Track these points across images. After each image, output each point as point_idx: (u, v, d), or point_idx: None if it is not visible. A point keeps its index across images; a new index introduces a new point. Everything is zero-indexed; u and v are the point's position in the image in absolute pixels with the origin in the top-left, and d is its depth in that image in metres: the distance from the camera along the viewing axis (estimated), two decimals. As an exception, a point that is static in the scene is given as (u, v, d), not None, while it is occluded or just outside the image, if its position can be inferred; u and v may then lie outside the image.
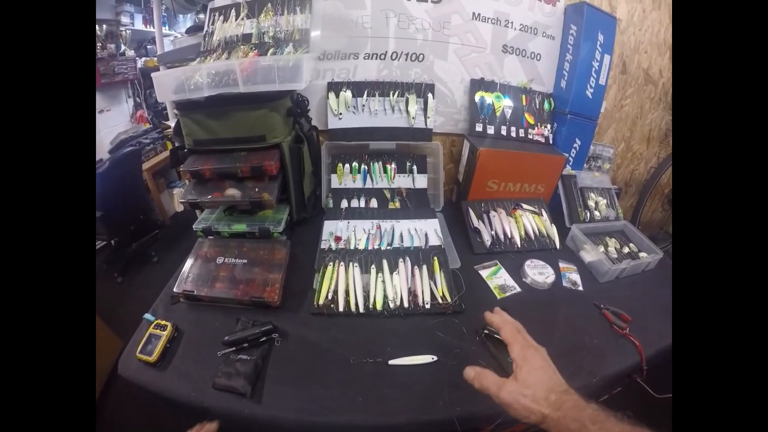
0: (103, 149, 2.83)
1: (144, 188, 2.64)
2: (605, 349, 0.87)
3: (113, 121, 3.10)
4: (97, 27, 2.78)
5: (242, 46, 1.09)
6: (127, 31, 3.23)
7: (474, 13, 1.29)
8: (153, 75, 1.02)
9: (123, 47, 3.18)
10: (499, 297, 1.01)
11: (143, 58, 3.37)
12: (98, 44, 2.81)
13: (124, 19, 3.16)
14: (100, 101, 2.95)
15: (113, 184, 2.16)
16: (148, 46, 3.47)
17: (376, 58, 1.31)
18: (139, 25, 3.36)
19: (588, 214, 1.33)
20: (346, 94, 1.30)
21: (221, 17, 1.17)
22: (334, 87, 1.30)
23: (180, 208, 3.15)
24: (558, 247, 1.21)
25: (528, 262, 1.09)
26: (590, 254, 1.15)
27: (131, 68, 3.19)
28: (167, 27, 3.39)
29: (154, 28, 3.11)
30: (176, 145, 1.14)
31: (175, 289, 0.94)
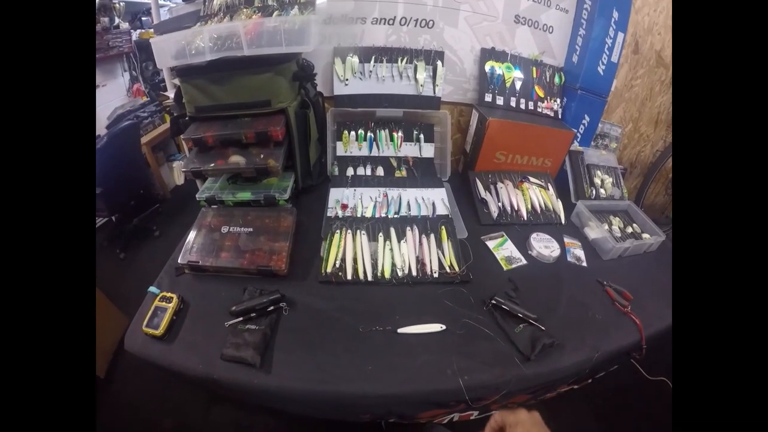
0: (100, 125, 2.75)
1: (143, 162, 2.59)
2: (607, 325, 0.88)
3: (109, 96, 3.03)
4: None
5: (245, 9, 1.05)
6: (121, 3, 3.12)
7: (487, -20, 1.25)
8: (151, 40, 0.98)
9: (117, 20, 3.07)
10: (505, 268, 1.01)
11: (138, 31, 3.27)
12: (91, 16, 2.71)
13: (117, -9, 3.05)
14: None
15: (112, 159, 2.13)
16: (142, 18, 3.36)
17: (385, 23, 1.27)
18: (133, -4, 3.24)
19: (594, 192, 1.33)
20: (353, 60, 1.26)
21: (222, -21, 1.12)
22: (341, 52, 1.27)
23: (180, 181, 3.12)
24: (563, 222, 1.21)
25: (534, 235, 1.09)
26: (594, 231, 1.15)
27: (126, 41, 3.10)
28: (162, -3, 3.28)
29: (148, -2, 3.02)
30: (176, 114, 1.11)
31: (179, 260, 0.92)
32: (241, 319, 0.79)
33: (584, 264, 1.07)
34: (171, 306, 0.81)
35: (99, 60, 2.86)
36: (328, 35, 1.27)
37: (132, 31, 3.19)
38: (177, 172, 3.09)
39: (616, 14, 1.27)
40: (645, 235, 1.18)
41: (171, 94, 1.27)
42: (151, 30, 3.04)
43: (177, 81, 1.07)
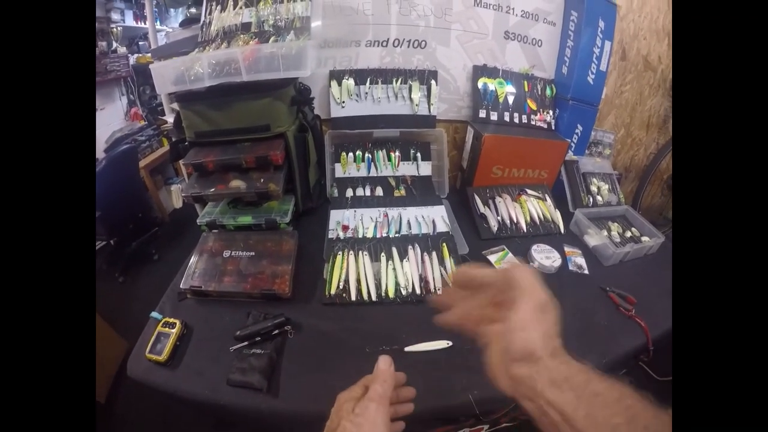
0: (98, 148, 2.79)
1: (141, 186, 2.60)
2: (613, 330, 0.88)
3: (108, 120, 3.07)
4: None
5: (242, 36, 1.06)
6: (118, 28, 3.18)
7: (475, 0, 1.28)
8: (151, 66, 0.99)
9: (114, 44, 3.13)
10: (508, 282, 1.01)
11: (135, 55, 3.32)
12: (89, 41, 2.76)
13: (115, 16, 3.12)
14: (93, 100, 2.91)
15: (110, 183, 2.13)
16: (140, 43, 3.42)
17: (378, 45, 1.30)
18: (130, 21, 3.30)
19: (590, 199, 1.35)
20: (349, 82, 1.28)
21: (218, 6, 1.14)
22: (336, 75, 1.29)
23: (179, 204, 3.13)
24: (562, 231, 1.22)
25: (534, 247, 1.09)
26: (594, 238, 1.16)
27: (123, 65, 3.16)
28: (158, 22, 3.34)
29: (145, 24, 3.08)
30: (175, 139, 1.12)
31: (182, 285, 0.92)
32: (246, 343, 0.78)
33: (586, 272, 1.07)
34: (174, 331, 0.80)
35: (97, 84, 2.91)
36: (324, 59, 1.29)
37: (129, 55, 3.25)
38: (175, 196, 3.10)
39: (602, 23, 1.30)
40: (644, 238, 1.19)
41: (169, 118, 1.29)
42: (149, 54, 3.09)
43: (176, 106, 1.08)
